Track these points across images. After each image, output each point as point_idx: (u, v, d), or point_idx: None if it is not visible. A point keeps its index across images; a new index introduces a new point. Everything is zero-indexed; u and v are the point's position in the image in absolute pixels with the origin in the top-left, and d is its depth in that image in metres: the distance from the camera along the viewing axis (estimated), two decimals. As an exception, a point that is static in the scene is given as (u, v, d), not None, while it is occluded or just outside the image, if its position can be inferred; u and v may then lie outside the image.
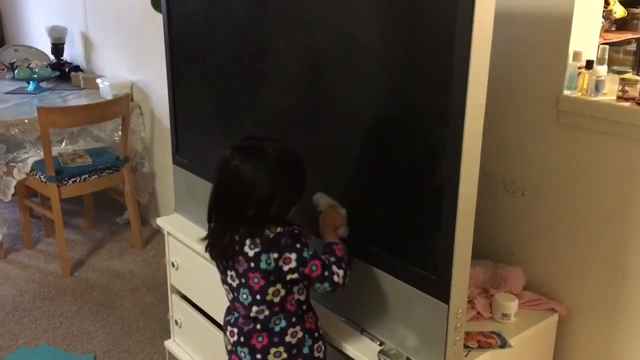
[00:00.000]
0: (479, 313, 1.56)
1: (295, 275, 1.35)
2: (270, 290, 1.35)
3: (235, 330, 1.43)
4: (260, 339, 1.40)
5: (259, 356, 1.41)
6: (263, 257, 1.33)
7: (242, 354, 1.43)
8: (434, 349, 1.32)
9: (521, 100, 1.64)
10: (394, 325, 1.41)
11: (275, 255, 1.32)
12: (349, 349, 1.45)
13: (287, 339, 1.40)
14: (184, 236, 1.99)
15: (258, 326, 1.40)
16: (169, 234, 2.08)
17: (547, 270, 1.65)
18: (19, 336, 2.54)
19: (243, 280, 1.37)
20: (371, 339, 1.46)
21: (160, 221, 2.12)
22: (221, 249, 1.38)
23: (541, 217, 1.65)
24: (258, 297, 1.36)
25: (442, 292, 1.27)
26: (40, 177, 2.97)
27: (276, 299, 1.37)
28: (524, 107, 1.63)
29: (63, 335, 2.55)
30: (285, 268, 1.33)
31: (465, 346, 1.40)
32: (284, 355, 1.40)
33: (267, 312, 1.38)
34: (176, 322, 2.15)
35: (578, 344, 1.62)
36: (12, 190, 3.05)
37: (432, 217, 1.26)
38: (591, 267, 1.56)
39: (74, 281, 2.99)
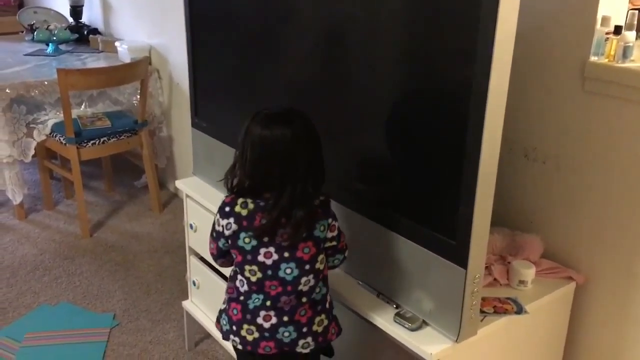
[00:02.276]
0: (495, 279, 1.56)
1: (333, 243, 1.38)
2: (320, 257, 1.36)
3: (273, 312, 1.36)
4: (303, 312, 1.37)
5: (304, 330, 1.38)
6: (318, 224, 1.33)
7: (287, 334, 1.37)
8: (450, 313, 1.33)
9: (546, 65, 1.61)
10: (411, 289, 1.42)
11: (330, 220, 1.35)
12: (366, 311, 1.46)
13: (327, 305, 1.42)
14: (202, 199, 2.01)
15: (303, 299, 1.36)
16: (187, 196, 2.10)
17: (565, 238, 1.65)
18: (40, 294, 2.60)
19: (287, 254, 1.33)
20: (387, 302, 1.47)
21: (179, 184, 2.14)
22: (270, 224, 1.30)
23: (561, 185, 1.63)
24: (307, 267, 1.34)
25: (460, 256, 1.27)
26: (59, 139, 2.99)
27: (321, 266, 1.37)
28: (549, 73, 1.60)
29: (83, 294, 2.61)
30: (329, 235, 1.36)
31: (481, 311, 1.41)
32: (325, 322, 1.41)
33: (312, 282, 1.36)
34: (194, 284, 2.18)
35: (594, 312, 1.62)
36: (32, 152, 3.09)
37: (452, 182, 1.25)
38: (610, 236, 1.55)
39: (93, 242, 3.04)
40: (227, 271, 1.95)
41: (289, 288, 1.34)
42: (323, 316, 1.40)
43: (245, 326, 1.39)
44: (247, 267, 1.35)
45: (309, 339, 1.39)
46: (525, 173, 1.71)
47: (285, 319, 1.37)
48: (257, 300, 1.37)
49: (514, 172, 1.72)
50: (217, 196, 1.99)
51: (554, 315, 1.60)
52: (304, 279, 1.34)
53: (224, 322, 1.44)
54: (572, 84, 1.55)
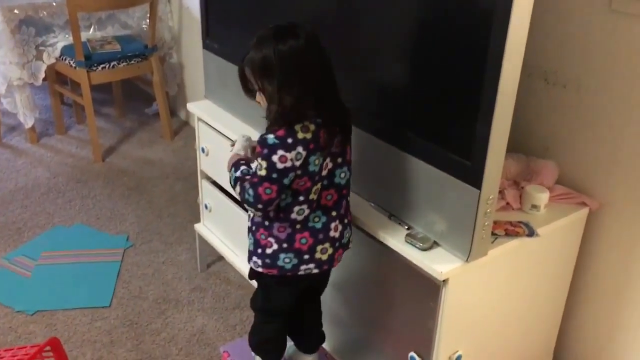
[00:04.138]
0: (508, 204, 1.55)
1: None
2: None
3: (338, 221, 1.40)
4: (346, 208, 1.44)
5: (350, 222, 1.46)
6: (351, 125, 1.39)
7: (347, 234, 1.44)
8: (461, 234, 1.33)
9: (572, -15, 1.54)
10: (423, 211, 1.42)
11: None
12: (378, 232, 1.47)
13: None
14: (214, 121, 1.99)
15: (348, 197, 1.43)
16: (199, 119, 2.08)
17: (581, 164, 1.63)
18: (54, 215, 2.64)
19: (340, 160, 1.37)
20: (399, 224, 1.48)
21: (191, 106, 2.12)
22: (332, 136, 1.31)
23: (581, 110, 1.60)
24: (351, 166, 1.41)
25: (474, 177, 1.26)
26: (69, 62, 2.96)
27: None
28: (574, -8, 1.54)
29: (97, 216, 2.64)
30: None
31: (493, 234, 1.41)
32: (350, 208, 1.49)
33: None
34: (206, 207, 2.20)
35: (606, 238, 1.62)
36: (43, 75, 3.06)
37: (470, 101, 1.22)
38: (628, 163, 1.53)
39: (105, 166, 3.05)
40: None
41: (344, 192, 1.39)
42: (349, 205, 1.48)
43: (319, 247, 1.39)
44: (313, 189, 1.34)
45: (351, 230, 1.47)
46: (544, 98, 1.67)
47: (345, 221, 1.43)
48: (318, 218, 1.38)
49: (533, 97, 1.68)
50: (229, 119, 1.98)
51: (565, 239, 1.60)
52: (350, 178, 1.41)
53: (287, 261, 1.39)
54: (599, 2, 1.49)
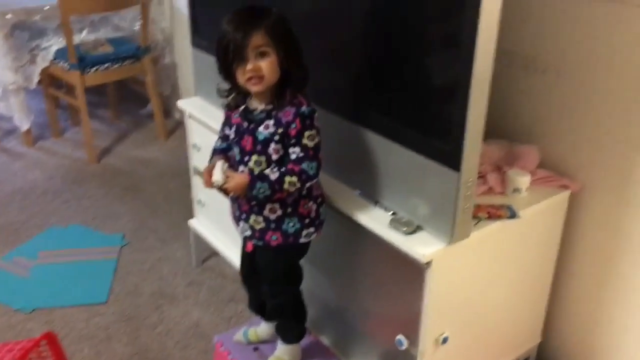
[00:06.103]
0: (490, 188, 1.58)
1: None
2: None
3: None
4: None
5: None
6: None
7: None
8: (443, 217, 1.36)
9: (548, -28, 1.57)
10: (406, 196, 1.45)
11: None
12: (363, 218, 1.49)
13: None
14: (206, 118, 2.02)
15: None
16: (190, 115, 2.11)
17: (562, 148, 1.65)
18: (50, 216, 2.67)
19: None
20: (384, 210, 1.50)
21: (181, 103, 2.15)
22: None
23: (561, 95, 1.62)
24: None
25: (453, 160, 1.29)
26: (63, 65, 2.99)
27: None
28: (550, -21, 1.57)
29: (93, 216, 2.68)
30: None
31: (475, 217, 1.44)
32: None
33: None
34: (199, 202, 2.23)
35: (589, 220, 1.65)
36: (37, 78, 3.11)
37: (445, 85, 1.25)
38: (609, 145, 1.56)
39: (100, 167, 3.09)
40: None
41: None
42: None
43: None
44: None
45: None
46: (524, 85, 1.70)
47: None
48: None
49: (514, 84, 1.71)
50: (220, 115, 2.00)
51: (548, 221, 1.62)
52: None
53: (323, 212, 1.51)
54: (574, -11, 1.52)
